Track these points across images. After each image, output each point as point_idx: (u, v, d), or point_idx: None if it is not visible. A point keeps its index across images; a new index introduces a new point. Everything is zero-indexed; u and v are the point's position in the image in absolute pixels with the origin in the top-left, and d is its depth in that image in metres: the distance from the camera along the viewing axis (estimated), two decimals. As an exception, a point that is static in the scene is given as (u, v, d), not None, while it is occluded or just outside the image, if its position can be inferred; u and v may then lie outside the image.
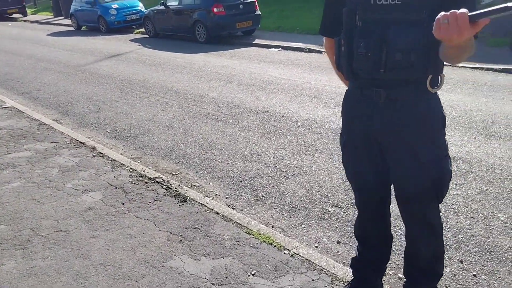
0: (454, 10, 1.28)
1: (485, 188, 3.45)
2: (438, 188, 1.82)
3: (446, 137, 1.84)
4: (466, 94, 5.83)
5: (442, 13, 1.30)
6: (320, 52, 9.46)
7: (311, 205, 3.42)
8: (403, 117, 1.74)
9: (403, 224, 2.07)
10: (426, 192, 1.82)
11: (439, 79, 1.72)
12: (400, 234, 2.89)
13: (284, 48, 10.37)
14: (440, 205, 3.17)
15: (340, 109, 2.04)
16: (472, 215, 3.12)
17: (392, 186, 1.98)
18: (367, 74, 1.72)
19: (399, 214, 2.01)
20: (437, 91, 1.74)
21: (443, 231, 2.91)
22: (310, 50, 9.74)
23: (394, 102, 1.74)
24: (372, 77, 1.73)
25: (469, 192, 3.41)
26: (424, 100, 1.74)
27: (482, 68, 7.12)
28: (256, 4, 12.23)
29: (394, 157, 1.84)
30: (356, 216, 2.24)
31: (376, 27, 1.65)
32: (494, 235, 2.88)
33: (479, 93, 5.90)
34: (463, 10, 1.28)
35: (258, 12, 12.20)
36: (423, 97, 1.73)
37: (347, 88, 1.98)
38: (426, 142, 1.76)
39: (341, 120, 2.04)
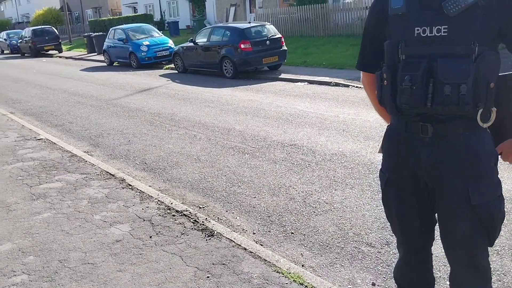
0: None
1: (529, 229, 3.25)
2: (489, 232, 1.69)
3: (498, 176, 1.73)
4: None
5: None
6: (347, 86, 9.45)
7: (343, 244, 3.29)
8: (453, 154, 1.64)
9: (445, 265, 1.93)
10: (476, 237, 1.70)
11: (490, 114, 1.63)
12: (440, 276, 2.72)
13: (310, 82, 10.42)
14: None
15: (379, 144, 1.95)
16: (517, 257, 2.93)
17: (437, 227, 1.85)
18: (413, 108, 1.64)
19: (442, 255, 1.88)
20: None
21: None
22: (336, 84, 9.74)
23: (443, 138, 1.65)
24: (417, 112, 1.65)
25: (512, 233, 3.22)
26: (475, 136, 1.64)
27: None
28: (283, 40, 12.44)
29: (443, 198, 1.71)
30: (397, 259, 2.11)
31: (422, 60, 1.59)
32: (542, 280, 2.68)
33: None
34: None
35: (284, 47, 12.38)
36: (473, 133, 1.63)
37: (388, 124, 1.89)
38: (478, 183, 1.64)
39: (380, 156, 1.94)
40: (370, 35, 1.85)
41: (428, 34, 1.59)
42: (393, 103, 1.69)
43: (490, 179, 1.67)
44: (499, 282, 2.69)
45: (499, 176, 1.71)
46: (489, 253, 2.95)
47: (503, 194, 1.71)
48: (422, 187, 1.75)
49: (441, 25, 1.56)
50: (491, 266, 2.82)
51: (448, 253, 1.82)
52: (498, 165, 1.70)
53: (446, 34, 1.56)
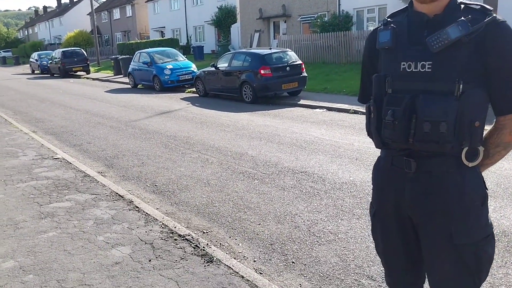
0: None
1: (541, 269, 3.09)
2: (474, 275, 1.61)
3: (489, 215, 1.65)
4: (520, 163, 5.45)
5: None
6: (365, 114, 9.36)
7: (344, 275, 3.19)
8: (435, 191, 1.59)
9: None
10: (460, 278, 1.62)
11: (478, 153, 1.58)
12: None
13: (329, 109, 10.39)
14: (488, 285, 2.88)
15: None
16: (526, 299, 2.78)
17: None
18: (395, 143, 1.63)
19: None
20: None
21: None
22: (355, 112, 9.68)
23: (426, 175, 1.60)
24: (401, 147, 1.63)
25: (523, 272, 3.06)
26: (460, 175, 1.57)
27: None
28: (303, 66, 12.50)
29: (426, 236, 1.65)
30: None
31: (406, 95, 1.57)
32: (552, 325, 2.53)
33: (535, 162, 5.51)
34: None
35: (304, 74, 12.44)
36: (458, 171, 1.57)
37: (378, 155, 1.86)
38: (462, 222, 1.58)
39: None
40: (366, 69, 1.86)
41: (413, 70, 1.57)
42: (379, 136, 1.67)
43: (476, 220, 1.59)
44: (505, 325, 2.55)
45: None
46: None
47: (511, 229, 1.63)
48: (407, 223, 1.69)
49: (426, 61, 1.55)
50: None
51: None
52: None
53: (430, 70, 1.54)
